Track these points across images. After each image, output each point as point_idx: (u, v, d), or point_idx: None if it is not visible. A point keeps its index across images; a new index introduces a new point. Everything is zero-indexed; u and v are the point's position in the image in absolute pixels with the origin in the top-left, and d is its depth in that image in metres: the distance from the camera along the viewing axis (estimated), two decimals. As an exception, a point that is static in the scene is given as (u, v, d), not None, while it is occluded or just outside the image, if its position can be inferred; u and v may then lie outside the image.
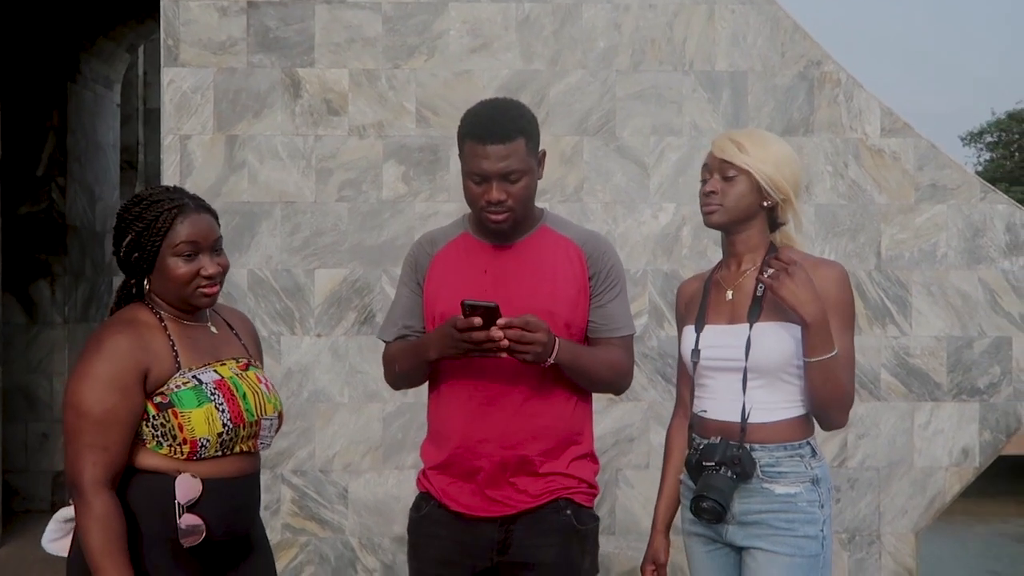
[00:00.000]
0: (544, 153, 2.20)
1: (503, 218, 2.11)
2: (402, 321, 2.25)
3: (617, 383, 2.25)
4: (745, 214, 2.20)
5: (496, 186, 2.08)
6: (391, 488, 4.00)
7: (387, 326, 2.29)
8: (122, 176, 7.18)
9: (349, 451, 4.01)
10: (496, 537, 2.15)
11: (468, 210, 2.22)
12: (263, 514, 3.92)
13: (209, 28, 3.97)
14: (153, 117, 7.01)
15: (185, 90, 3.97)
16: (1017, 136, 28.06)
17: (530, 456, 2.14)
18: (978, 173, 28.80)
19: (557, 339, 2.06)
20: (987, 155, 29.71)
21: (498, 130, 2.07)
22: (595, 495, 2.26)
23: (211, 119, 3.97)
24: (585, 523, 2.21)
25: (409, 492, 3.98)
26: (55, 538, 1.90)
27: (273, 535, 3.97)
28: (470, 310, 1.98)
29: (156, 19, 4.05)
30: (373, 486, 4.01)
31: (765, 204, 2.19)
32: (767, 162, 2.17)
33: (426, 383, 2.27)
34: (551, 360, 2.05)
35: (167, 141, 3.98)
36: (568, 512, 2.18)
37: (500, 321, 1.98)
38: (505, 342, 1.98)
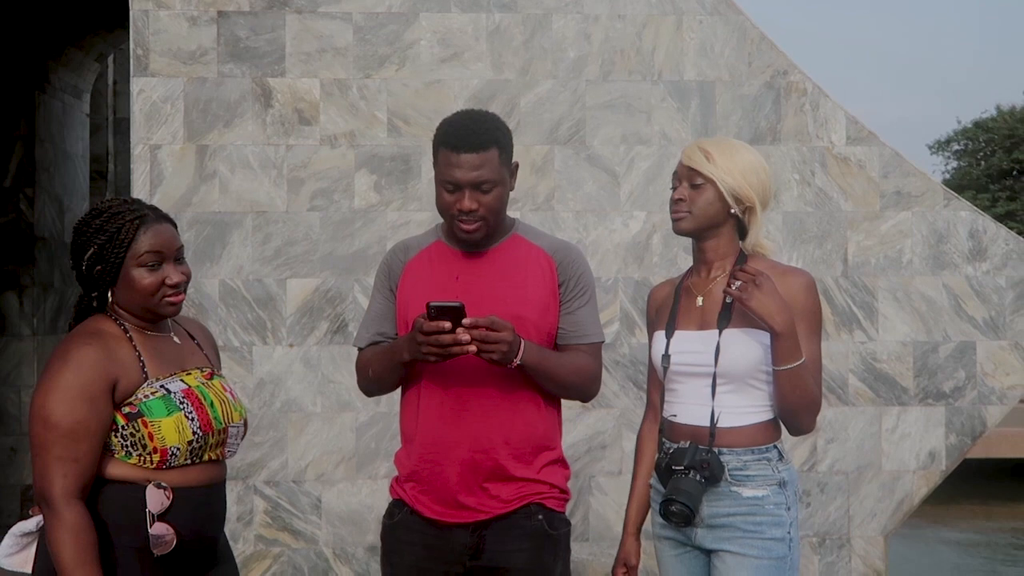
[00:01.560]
0: (517, 165, 2.23)
1: (474, 227, 2.14)
2: (375, 327, 2.27)
3: (584, 389, 2.27)
4: (712, 221, 2.24)
5: (468, 195, 2.11)
6: (364, 498, 4.00)
7: (361, 333, 2.31)
8: (92, 186, 7.13)
9: (322, 461, 4.00)
10: (468, 543, 2.16)
11: (441, 219, 2.25)
12: (236, 525, 3.93)
13: (179, 38, 3.96)
14: (123, 127, 6.97)
15: (155, 100, 3.96)
16: (983, 144, 28.52)
17: (501, 461, 2.16)
18: (945, 181, 29.27)
19: (523, 341, 2.09)
20: (954, 163, 30.16)
21: (472, 139, 2.10)
22: (567, 500, 2.28)
23: (181, 129, 3.97)
24: (557, 528, 2.23)
25: (382, 502, 3.98)
26: (10, 552, 1.89)
27: (246, 546, 3.95)
28: (436, 311, 2.00)
29: (126, 28, 4.03)
30: (346, 496, 4.00)
31: (732, 212, 2.23)
32: (733, 171, 2.21)
33: (398, 390, 2.28)
34: (517, 361, 2.07)
35: (137, 151, 3.96)
36: (540, 517, 2.19)
37: (465, 321, 1.99)
38: (472, 344, 2.00)
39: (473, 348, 2.01)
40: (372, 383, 2.28)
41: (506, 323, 2.04)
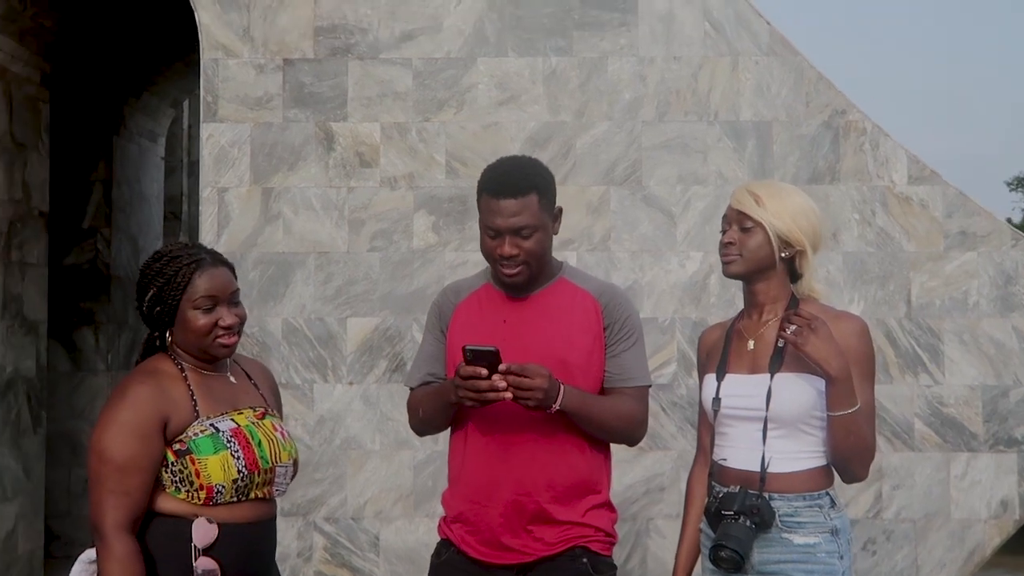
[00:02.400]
0: (560, 209, 2.26)
1: (516, 272, 2.17)
2: (426, 368, 2.32)
3: (629, 433, 2.27)
4: (762, 264, 2.23)
5: (508, 240, 2.14)
6: (422, 536, 4.02)
7: (412, 373, 2.36)
8: (167, 226, 7.38)
9: (380, 498, 4.04)
10: None
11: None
12: (296, 561, 3.98)
13: (246, 85, 4.11)
14: (197, 169, 7.20)
15: (223, 144, 4.10)
16: (1065, 180, 27.64)
17: (544, 504, 2.18)
18: (1024, 218, 28.39)
19: (563, 386, 2.10)
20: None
21: (511, 186, 2.14)
22: (612, 543, 2.28)
23: (248, 172, 4.10)
24: (601, 572, 2.23)
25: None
26: None
27: (304, 582, 4.00)
28: (472, 355, 2.03)
29: (198, 75, 4.20)
30: (404, 533, 4.03)
31: (783, 255, 2.22)
32: (782, 215, 2.20)
33: (448, 430, 2.31)
34: (556, 407, 2.08)
35: (206, 193, 4.11)
36: (584, 560, 2.20)
37: (500, 367, 2.02)
38: (508, 391, 2.03)
39: (509, 395, 2.03)
40: (422, 423, 2.31)
41: (540, 369, 2.05)
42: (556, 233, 2.25)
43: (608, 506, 2.28)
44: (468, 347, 2.04)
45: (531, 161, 2.26)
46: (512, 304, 2.25)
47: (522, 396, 2.04)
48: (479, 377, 2.02)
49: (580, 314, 2.23)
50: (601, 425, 2.20)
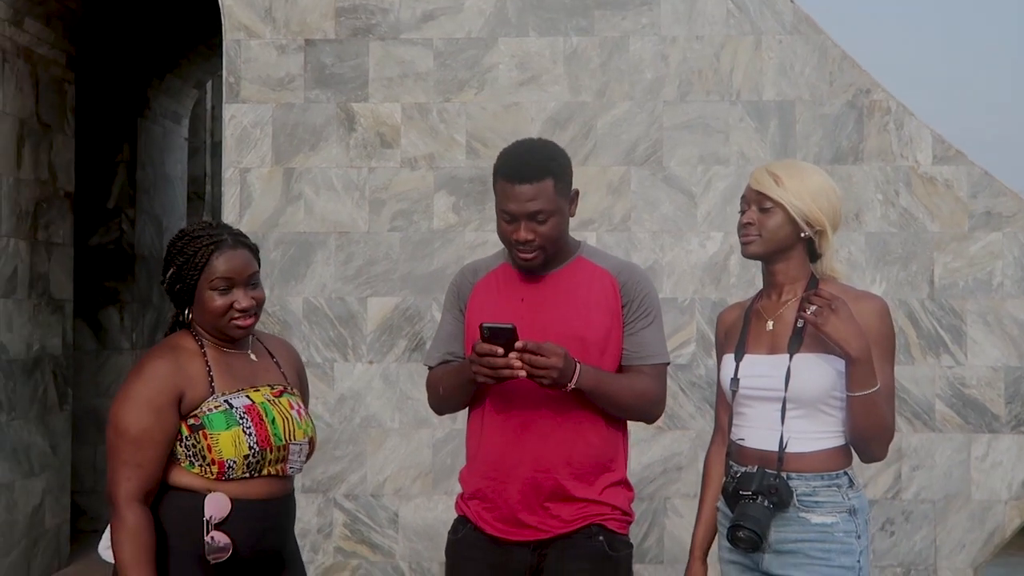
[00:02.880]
0: (577, 192, 2.25)
1: (532, 256, 2.18)
2: (445, 347, 2.32)
3: (646, 411, 2.28)
4: (782, 245, 2.22)
5: (524, 225, 2.15)
6: (440, 513, 4.06)
7: (431, 352, 2.37)
8: (190, 207, 7.44)
9: (399, 476, 4.08)
10: (529, 561, 2.20)
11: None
12: (316, 537, 4.04)
13: (268, 65, 4.12)
14: (220, 150, 7.25)
15: (246, 125, 4.13)
16: (1095, 160, 27.19)
17: (562, 482, 2.19)
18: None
19: (579, 364, 2.10)
20: (1062, 180, 28.83)
21: (526, 171, 2.14)
22: (629, 522, 2.29)
23: (270, 152, 4.12)
24: (618, 550, 2.24)
25: (458, 518, 4.04)
26: (108, 546, 2.00)
27: (326, 558, 4.06)
28: (489, 333, 2.04)
29: (221, 56, 4.22)
30: (423, 511, 4.07)
31: (803, 235, 2.21)
32: (802, 195, 2.19)
33: (466, 409, 2.33)
34: (572, 385, 2.09)
35: (228, 174, 4.14)
36: (601, 538, 2.21)
37: (517, 345, 2.03)
38: (523, 369, 2.03)
39: (523, 373, 2.04)
40: (442, 401, 2.32)
41: (556, 348, 2.06)
42: (573, 215, 2.25)
43: (625, 484, 2.30)
44: (485, 324, 2.05)
45: (547, 144, 2.25)
46: (530, 283, 2.25)
47: (537, 374, 2.05)
48: (495, 355, 2.04)
49: (598, 292, 2.24)
50: (618, 403, 2.21)
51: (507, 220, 2.17)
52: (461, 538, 2.28)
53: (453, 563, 2.30)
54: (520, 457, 2.19)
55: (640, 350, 2.25)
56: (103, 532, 2.04)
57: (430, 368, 2.35)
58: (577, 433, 2.20)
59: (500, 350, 2.04)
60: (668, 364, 2.32)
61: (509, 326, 2.04)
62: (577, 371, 2.09)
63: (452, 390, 2.26)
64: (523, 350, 2.03)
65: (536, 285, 2.25)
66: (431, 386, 2.33)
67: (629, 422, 2.32)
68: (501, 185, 2.17)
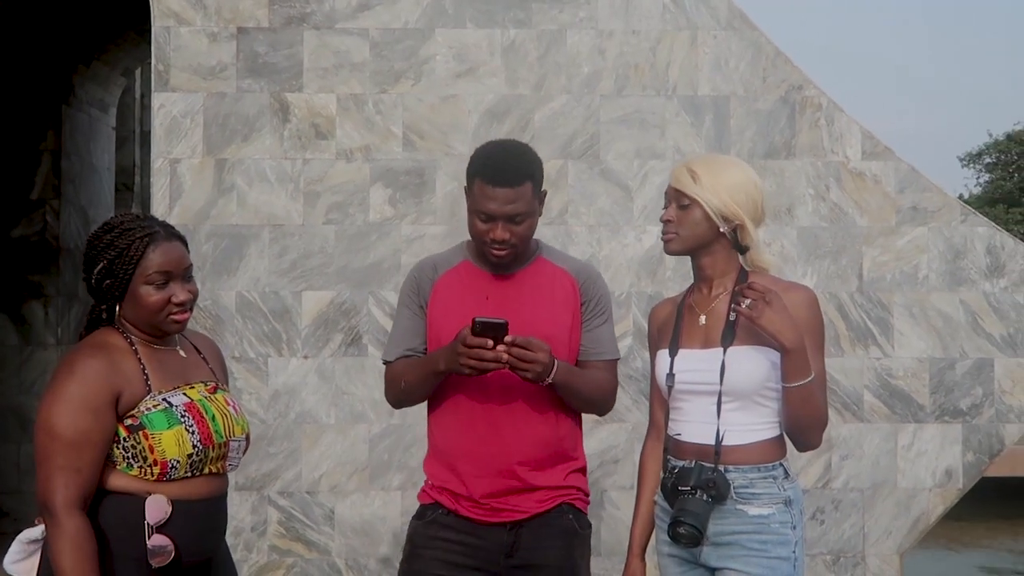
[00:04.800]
0: (546, 193, 2.32)
1: (505, 253, 2.26)
2: (405, 343, 2.35)
3: (604, 404, 2.39)
4: (701, 241, 2.24)
5: (502, 226, 2.21)
6: (377, 509, 4.02)
7: (390, 347, 2.38)
8: (118, 198, 7.24)
9: (335, 472, 4.03)
10: (506, 541, 2.26)
11: (457, 235, 2.37)
12: (250, 535, 3.96)
13: (199, 54, 4.02)
14: (150, 140, 7.08)
15: (175, 114, 4.02)
16: (1016, 157, 28.17)
17: (532, 470, 2.28)
18: (977, 194, 28.89)
19: (556, 361, 2.19)
20: (986, 176, 29.80)
21: (508, 175, 2.20)
22: (588, 504, 2.41)
23: (201, 143, 4.02)
24: (584, 528, 2.36)
25: (395, 513, 4.01)
26: (17, 559, 1.92)
27: (260, 556, 3.99)
28: (481, 327, 2.10)
29: (149, 43, 4.11)
30: (359, 507, 4.03)
31: (723, 230, 2.23)
32: (718, 190, 2.21)
33: (425, 402, 2.37)
34: (549, 380, 2.18)
35: (157, 164, 4.03)
36: (571, 516, 2.32)
37: (507, 339, 2.11)
38: (507, 358, 2.10)
39: (506, 367, 2.11)
40: (403, 395, 2.35)
41: (543, 344, 2.15)
42: (541, 215, 2.32)
43: (584, 470, 2.41)
44: (478, 319, 2.10)
45: (525, 148, 2.31)
46: (494, 281, 2.32)
47: (522, 367, 2.12)
48: (484, 347, 2.10)
49: (560, 291, 2.33)
50: (584, 397, 2.30)
51: (483, 220, 2.23)
52: (432, 520, 2.31)
53: (420, 543, 2.31)
54: (490, 449, 2.26)
55: (596, 346, 2.34)
56: (12, 542, 1.95)
57: (389, 363, 2.38)
58: (545, 425, 2.28)
59: (491, 343, 2.10)
60: (619, 359, 2.41)
61: (502, 321, 2.11)
62: (555, 367, 2.18)
63: (416, 383, 2.29)
64: (512, 344, 2.10)
65: (501, 283, 2.32)
66: (392, 380, 2.35)
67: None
68: (479, 186, 2.22)
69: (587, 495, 2.38)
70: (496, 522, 2.26)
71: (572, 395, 2.26)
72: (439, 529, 2.28)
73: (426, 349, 2.31)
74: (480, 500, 2.26)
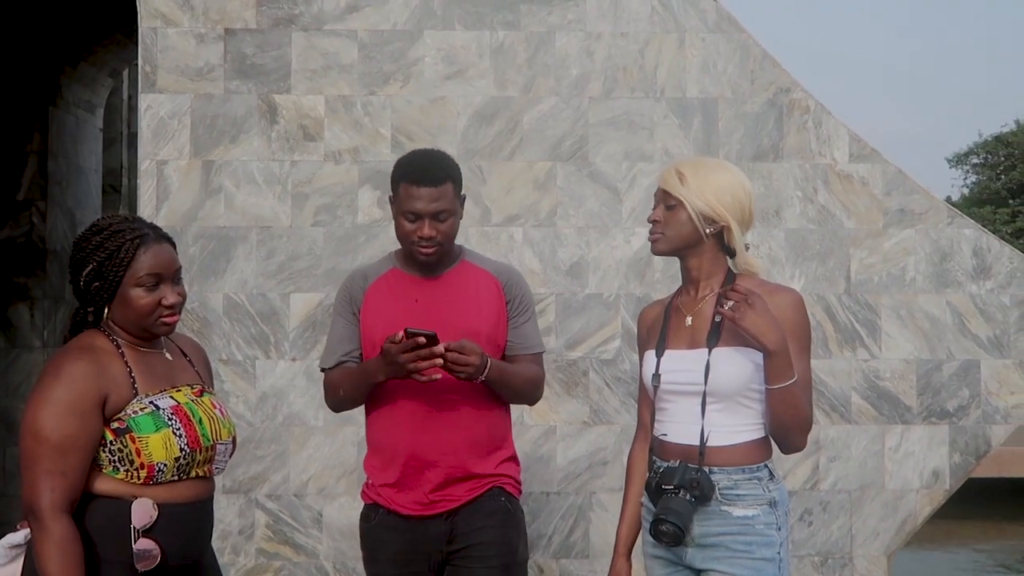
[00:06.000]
0: (464, 197, 2.52)
1: (432, 251, 2.42)
2: (342, 349, 2.49)
3: (533, 395, 2.58)
4: (687, 242, 2.26)
5: (428, 224, 2.38)
6: (365, 512, 4.01)
7: (327, 354, 2.54)
8: (106, 200, 7.21)
9: (323, 475, 4.01)
10: (444, 529, 2.43)
11: (394, 249, 2.54)
12: (237, 538, 3.94)
13: (187, 55, 4.01)
14: (137, 141, 7.05)
15: (162, 116, 4.01)
16: (1003, 158, 28.35)
17: (468, 462, 2.45)
18: (965, 195, 29.03)
19: (489, 359, 2.36)
20: (973, 177, 29.96)
21: (431, 175, 2.39)
22: (521, 491, 2.57)
23: (188, 144, 4.01)
24: (516, 509, 2.52)
25: (384, 516, 4.00)
26: (0, 564, 1.91)
27: (247, 559, 3.97)
28: (412, 337, 2.25)
29: (137, 44, 4.09)
30: (347, 510, 4.01)
31: (708, 232, 2.24)
32: (704, 192, 2.22)
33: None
34: (482, 377, 2.35)
35: (144, 166, 4.01)
36: (503, 499, 2.49)
37: (442, 346, 2.27)
38: (440, 362, 2.28)
39: (439, 375, 2.28)
40: (342, 400, 2.51)
41: (475, 347, 2.32)
42: (461, 218, 2.50)
43: (515, 459, 2.57)
44: (409, 330, 2.25)
45: (444, 154, 2.52)
46: (422, 285, 2.47)
47: (457, 369, 2.30)
48: (420, 351, 2.26)
49: (484, 291, 2.49)
50: (517, 390, 2.49)
51: (410, 220, 2.39)
52: (376, 523, 2.48)
53: (372, 547, 2.50)
54: (431, 445, 2.41)
55: (524, 341, 2.52)
56: None
57: (327, 370, 2.51)
58: (479, 418, 2.45)
59: (424, 341, 2.25)
60: (544, 352, 2.60)
61: (431, 333, 2.26)
62: (488, 365, 2.35)
63: (354, 389, 2.44)
64: (448, 349, 2.27)
65: (428, 286, 2.47)
66: (331, 387, 2.50)
67: (512, 405, 2.60)
68: (405, 188, 2.39)
69: (519, 483, 2.54)
70: (433, 514, 2.41)
71: (505, 388, 2.44)
72: (384, 531, 2.45)
73: (361, 354, 2.47)
74: (418, 495, 2.41)
